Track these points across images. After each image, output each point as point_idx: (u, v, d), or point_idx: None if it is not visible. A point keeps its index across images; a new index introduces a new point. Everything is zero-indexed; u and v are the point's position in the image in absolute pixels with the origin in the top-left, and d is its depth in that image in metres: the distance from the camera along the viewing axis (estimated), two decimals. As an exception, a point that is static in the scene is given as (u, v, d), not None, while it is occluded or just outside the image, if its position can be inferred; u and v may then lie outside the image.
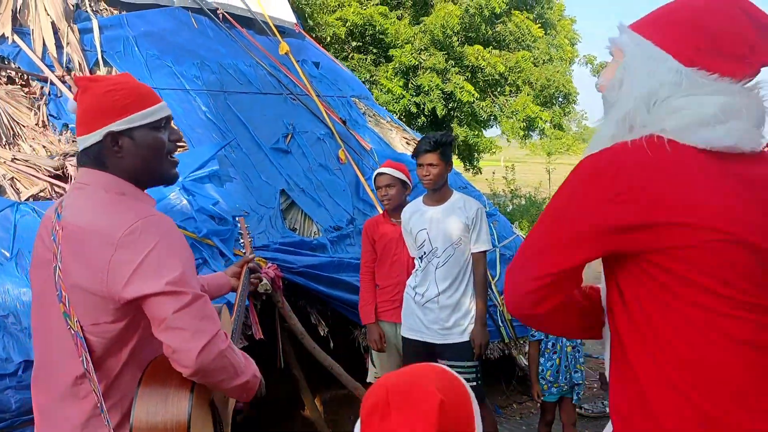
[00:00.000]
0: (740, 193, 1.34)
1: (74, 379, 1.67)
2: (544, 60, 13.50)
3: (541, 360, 3.85)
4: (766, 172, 1.40)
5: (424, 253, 3.55)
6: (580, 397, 3.86)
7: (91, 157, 1.73)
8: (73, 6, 4.65)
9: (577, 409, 4.06)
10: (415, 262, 3.66)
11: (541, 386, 3.84)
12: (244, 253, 2.54)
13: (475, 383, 3.51)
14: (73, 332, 1.65)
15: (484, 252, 3.58)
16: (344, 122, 5.56)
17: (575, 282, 1.49)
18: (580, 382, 3.80)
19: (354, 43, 12.53)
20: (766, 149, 1.43)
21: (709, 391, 1.33)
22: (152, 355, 1.75)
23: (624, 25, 1.48)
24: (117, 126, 1.70)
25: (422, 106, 12.12)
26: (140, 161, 1.75)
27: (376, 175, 3.94)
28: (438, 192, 3.58)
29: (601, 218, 1.36)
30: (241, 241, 2.70)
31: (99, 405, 1.65)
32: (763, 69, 1.41)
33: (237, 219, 3.02)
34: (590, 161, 1.41)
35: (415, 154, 3.59)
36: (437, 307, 3.52)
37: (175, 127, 1.93)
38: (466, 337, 3.51)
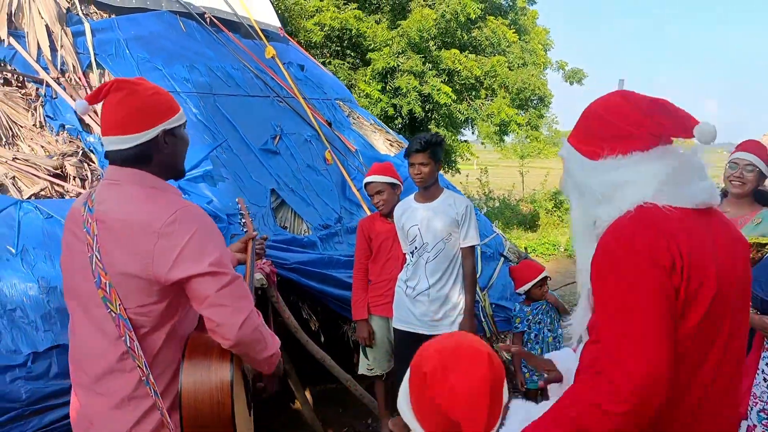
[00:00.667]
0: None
1: (119, 356, 1.88)
2: (518, 64, 13.79)
3: (525, 349, 4.06)
4: (718, 221, 1.81)
5: (416, 248, 3.74)
6: None
7: (136, 154, 1.90)
8: (65, 9, 4.74)
9: None
10: (407, 256, 3.84)
11: (524, 375, 4.04)
12: (246, 231, 2.72)
13: None
14: (114, 315, 1.84)
15: (473, 247, 3.78)
16: (330, 124, 5.72)
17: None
18: None
19: (332, 47, 12.67)
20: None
21: None
22: (187, 332, 1.97)
23: (564, 140, 1.87)
24: (169, 124, 1.94)
25: (399, 108, 12.31)
26: (178, 155, 2.01)
27: (366, 184, 4.10)
28: (429, 190, 3.76)
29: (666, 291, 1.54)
30: (243, 220, 2.85)
31: (143, 377, 1.85)
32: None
33: (237, 200, 3.18)
34: (613, 248, 1.62)
35: (407, 154, 3.78)
36: (427, 299, 3.70)
37: None
38: (455, 329, 3.70)
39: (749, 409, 3.07)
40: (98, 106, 4.37)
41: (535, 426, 1.55)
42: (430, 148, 3.68)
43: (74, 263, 1.94)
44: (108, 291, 1.83)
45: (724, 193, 3.58)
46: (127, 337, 1.84)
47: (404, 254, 3.94)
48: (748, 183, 3.41)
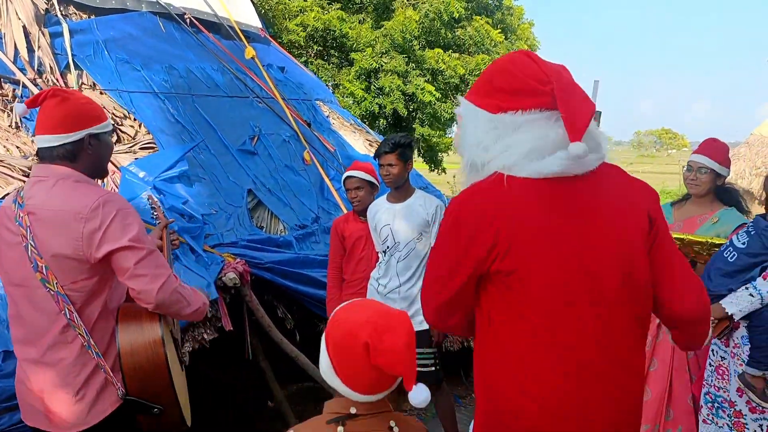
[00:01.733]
0: (564, 213, 1.70)
1: (60, 329, 2.20)
2: (504, 65, 13.86)
3: None
4: (589, 188, 1.74)
5: (387, 247, 3.80)
6: None
7: (64, 152, 2.21)
8: (43, 10, 4.78)
9: None
10: (379, 255, 3.91)
11: None
12: (158, 223, 2.93)
13: (433, 368, 3.78)
14: (53, 292, 2.17)
15: None
16: (309, 125, 5.78)
17: (467, 301, 1.84)
18: None
19: (315, 47, 12.73)
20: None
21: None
22: (118, 303, 2.35)
23: (461, 98, 1.87)
24: (95, 129, 2.25)
25: (384, 107, 12.38)
26: (100, 158, 2.31)
27: (346, 178, 4.16)
28: (400, 190, 3.83)
29: (467, 255, 1.73)
30: (154, 213, 3.05)
31: (84, 343, 2.21)
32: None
33: (147, 197, 3.40)
34: (449, 210, 1.80)
35: (377, 155, 3.84)
36: (398, 297, 3.77)
37: None
38: (425, 326, 3.76)
39: (702, 392, 3.27)
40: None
41: None
42: (398, 149, 3.75)
43: (10, 255, 2.22)
44: (45, 273, 2.15)
45: (689, 194, 3.68)
46: (66, 310, 2.17)
47: (377, 253, 4.01)
48: (703, 185, 3.52)
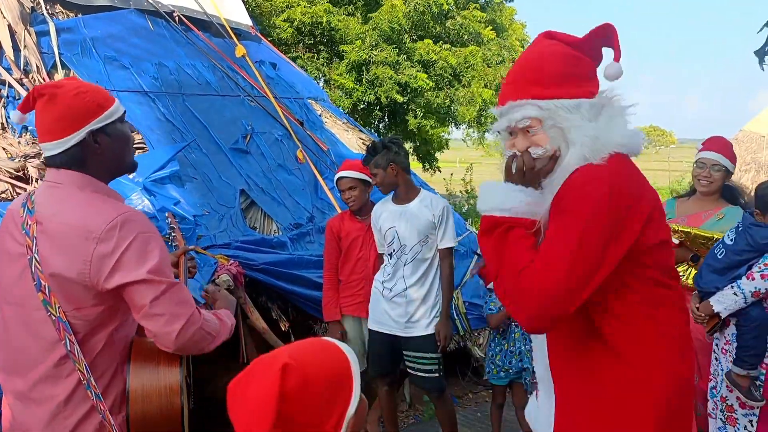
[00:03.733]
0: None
1: (57, 360, 1.85)
2: (496, 61, 13.84)
3: (491, 345, 4.10)
4: None
5: (394, 249, 3.75)
6: (527, 382, 4.11)
7: (68, 159, 1.87)
8: (29, 9, 4.73)
9: (528, 394, 4.33)
10: (385, 258, 3.85)
11: (491, 370, 4.09)
12: (176, 246, 2.68)
13: (437, 374, 3.74)
14: (54, 318, 1.83)
15: (451, 248, 3.80)
16: (301, 124, 5.74)
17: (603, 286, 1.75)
18: (528, 366, 4.05)
19: (305, 40, 12.68)
20: None
21: None
22: (129, 335, 1.98)
23: (525, 101, 1.75)
24: (95, 124, 1.87)
25: (378, 97, 12.31)
26: (116, 154, 1.94)
27: (338, 179, 4.09)
28: (402, 192, 3.77)
29: (626, 229, 1.65)
30: (173, 234, 2.82)
31: (83, 381, 1.86)
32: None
33: (166, 215, 3.14)
34: (590, 191, 1.66)
35: (363, 163, 3.81)
36: (404, 301, 3.73)
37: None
38: (430, 330, 3.73)
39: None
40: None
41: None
42: (373, 157, 3.69)
43: (11, 268, 1.91)
44: (48, 294, 1.82)
45: (693, 190, 3.65)
46: (67, 340, 1.83)
47: (375, 255, 3.96)
48: (715, 182, 3.51)
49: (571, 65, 1.75)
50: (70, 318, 1.84)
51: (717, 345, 3.23)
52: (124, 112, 2.01)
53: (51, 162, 1.92)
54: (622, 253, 1.65)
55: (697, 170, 3.57)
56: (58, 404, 1.87)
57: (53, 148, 1.88)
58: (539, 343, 1.97)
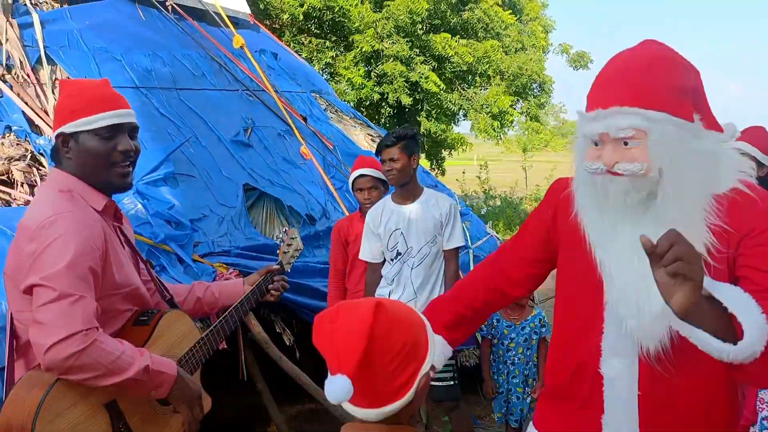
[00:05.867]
0: None
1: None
2: (516, 48, 13.80)
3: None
4: None
5: (398, 253, 3.72)
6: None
7: (52, 154, 2.08)
8: (11, 0, 4.76)
9: None
10: (387, 263, 3.83)
11: (496, 383, 4.15)
12: (279, 261, 2.82)
13: (452, 382, 3.72)
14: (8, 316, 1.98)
15: (458, 249, 3.79)
16: (305, 119, 5.75)
17: None
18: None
19: (312, 27, 12.71)
20: None
21: None
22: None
23: (634, 109, 1.64)
24: (65, 128, 2.02)
25: (386, 95, 12.33)
26: (82, 165, 2.05)
27: (358, 177, 4.07)
28: (407, 189, 3.75)
29: None
30: (281, 247, 2.92)
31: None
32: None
33: (285, 230, 3.15)
34: None
35: (378, 149, 3.78)
36: (414, 308, 3.72)
37: (131, 140, 2.17)
38: None
39: (760, 416, 3.18)
40: (49, 106, 4.40)
41: None
42: (401, 141, 3.66)
43: None
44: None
45: None
46: (4, 344, 1.96)
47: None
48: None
49: (691, 79, 1.70)
50: (15, 321, 1.96)
51: None
52: (115, 126, 2.07)
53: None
54: None
55: None
56: None
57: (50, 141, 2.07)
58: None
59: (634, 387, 1.79)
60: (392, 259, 3.78)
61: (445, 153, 15.31)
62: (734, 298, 1.54)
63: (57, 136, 2.04)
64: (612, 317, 1.80)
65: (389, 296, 3.78)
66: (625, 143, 1.65)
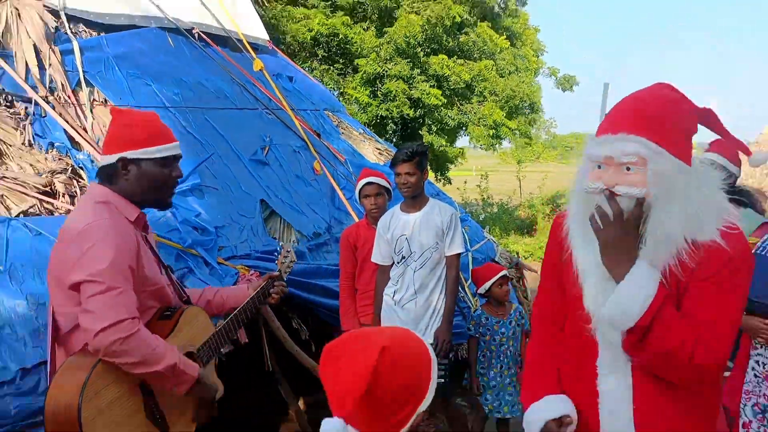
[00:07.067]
0: None
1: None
2: (510, 71, 13.85)
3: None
4: None
5: (402, 257, 3.78)
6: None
7: (104, 174, 2.20)
8: (53, 29, 4.81)
9: None
10: (394, 265, 3.87)
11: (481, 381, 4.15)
12: (279, 269, 2.95)
13: (442, 380, 3.74)
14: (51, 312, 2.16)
15: (458, 255, 3.82)
16: (318, 135, 5.78)
17: None
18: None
19: (320, 53, 12.79)
20: None
21: None
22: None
23: (640, 138, 1.66)
24: (131, 154, 2.18)
25: (390, 112, 12.41)
26: (140, 187, 2.23)
27: (365, 184, 4.11)
28: (415, 199, 3.81)
29: None
30: (280, 257, 3.05)
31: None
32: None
33: (280, 245, 3.33)
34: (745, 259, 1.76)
35: (393, 164, 3.83)
36: (415, 307, 3.75)
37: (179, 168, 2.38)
38: (431, 332, 3.76)
39: (742, 406, 3.13)
40: (88, 125, 4.45)
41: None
42: (416, 157, 3.72)
43: None
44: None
45: None
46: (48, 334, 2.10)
47: (375, 266, 3.98)
48: None
49: (692, 123, 1.73)
50: (56, 315, 2.11)
51: (759, 363, 3.07)
52: (173, 156, 2.28)
53: (96, 173, 2.28)
54: None
55: None
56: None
57: (102, 161, 2.25)
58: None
59: (629, 401, 1.80)
60: (398, 262, 3.83)
61: (447, 165, 15.32)
62: (639, 276, 1.67)
63: (119, 160, 2.18)
64: (602, 337, 1.81)
65: (393, 295, 3.83)
66: (628, 168, 1.67)
